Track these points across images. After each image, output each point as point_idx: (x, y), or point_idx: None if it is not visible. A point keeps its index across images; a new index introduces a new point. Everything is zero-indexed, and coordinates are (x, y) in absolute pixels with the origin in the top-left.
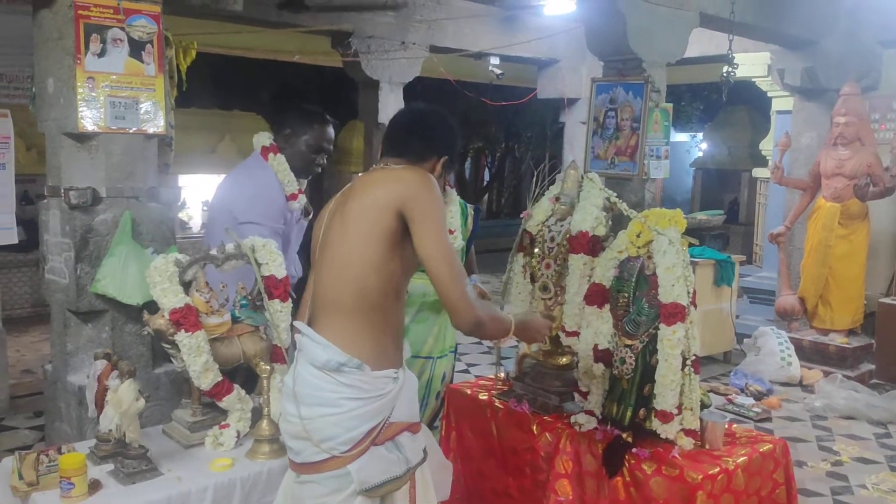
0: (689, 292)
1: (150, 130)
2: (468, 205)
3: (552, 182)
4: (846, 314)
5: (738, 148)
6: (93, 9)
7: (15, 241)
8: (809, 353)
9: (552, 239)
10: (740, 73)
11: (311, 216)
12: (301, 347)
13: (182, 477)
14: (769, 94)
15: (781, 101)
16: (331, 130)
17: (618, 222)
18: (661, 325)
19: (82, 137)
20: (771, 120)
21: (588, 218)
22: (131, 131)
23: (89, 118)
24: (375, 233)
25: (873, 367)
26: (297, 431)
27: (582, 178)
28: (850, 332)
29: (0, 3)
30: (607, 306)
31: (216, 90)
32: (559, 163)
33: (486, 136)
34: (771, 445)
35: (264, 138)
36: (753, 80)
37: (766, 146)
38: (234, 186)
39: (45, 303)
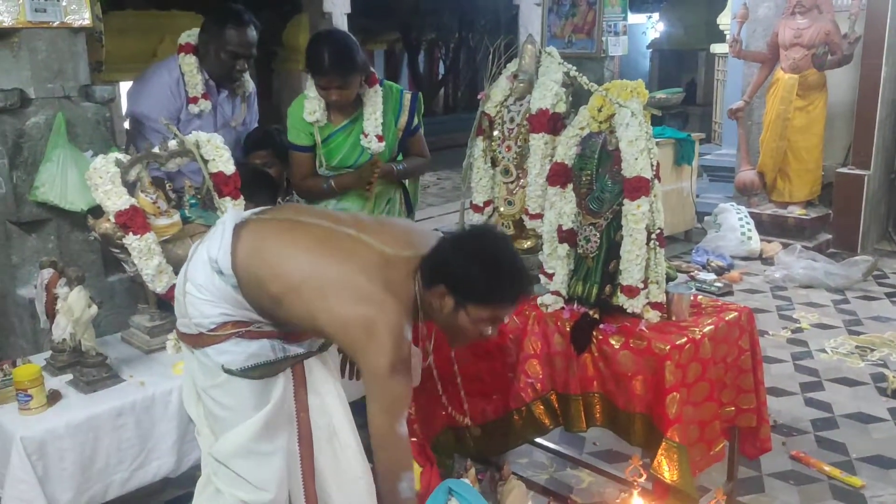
0: (652, 165)
1: (76, 23)
2: (403, 91)
3: (508, 61)
4: (804, 186)
5: (695, 27)
6: None
7: None
8: (769, 227)
9: (511, 120)
10: None
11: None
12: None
13: (145, 381)
14: None
15: None
16: (248, 33)
17: (577, 99)
18: (626, 201)
19: (1, 35)
20: None
21: (548, 94)
22: (55, 25)
23: (5, 12)
24: None
25: (830, 236)
26: (179, 307)
27: (539, 53)
28: (808, 204)
29: None
30: (570, 185)
31: None
32: (515, 46)
33: (438, 26)
34: (736, 314)
35: (186, 36)
36: None
37: (724, 20)
38: (135, 81)
39: None
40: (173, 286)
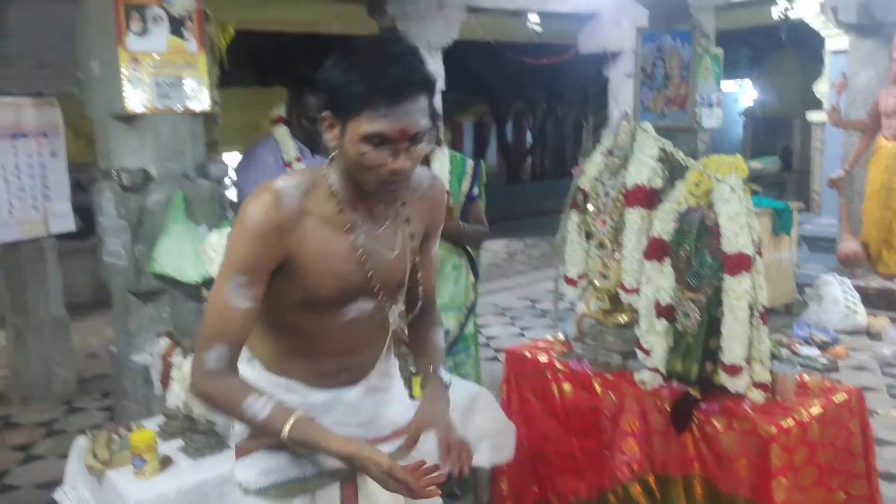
0: (754, 241)
1: (196, 108)
2: (467, 160)
3: (597, 128)
4: None
5: (789, 93)
6: None
7: (73, 228)
8: (875, 300)
9: (606, 194)
10: (790, 14)
11: None
12: None
13: None
14: (822, 34)
15: (835, 41)
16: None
17: (673, 173)
18: (726, 277)
19: (130, 119)
20: (824, 61)
21: (644, 170)
22: (178, 110)
23: (135, 99)
24: None
25: None
26: None
27: (635, 129)
28: None
29: None
30: (668, 260)
31: (256, 68)
32: (605, 119)
33: (525, 98)
34: (846, 395)
35: (276, 110)
36: (804, 20)
37: (821, 89)
38: (242, 157)
39: (105, 287)
40: None
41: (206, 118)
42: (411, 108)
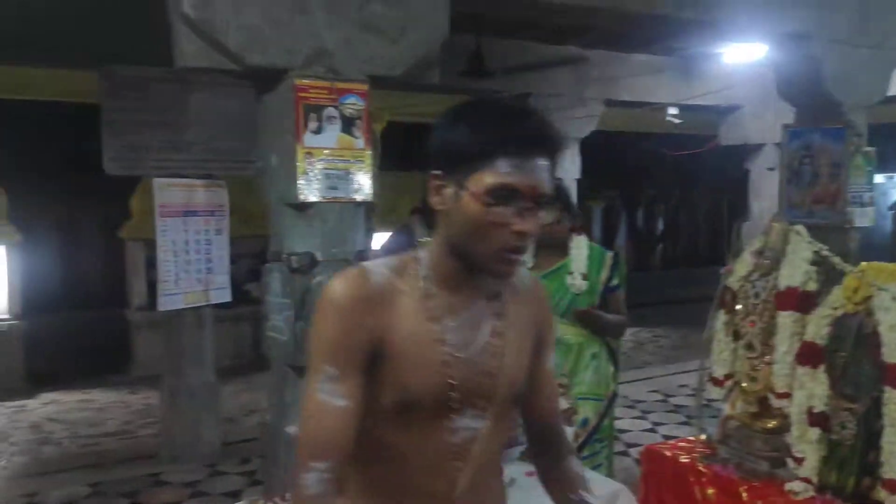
0: None
1: (359, 199)
2: (606, 251)
3: (739, 230)
4: None
5: None
6: (311, 91)
7: (229, 299)
8: None
9: (756, 295)
10: None
11: None
12: None
13: None
14: None
15: None
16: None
17: (829, 277)
18: (887, 388)
19: (301, 207)
20: None
21: (797, 273)
22: (344, 200)
23: (307, 189)
24: None
25: None
26: None
27: (787, 230)
28: None
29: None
30: (822, 366)
31: (400, 154)
32: (745, 211)
33: (658, 184)
34: None
35: (416, 203)
36: None
37: None
38: (388, 239)
39: (244, 355)
40: None
41: (367, 206)
42: (542, 166)
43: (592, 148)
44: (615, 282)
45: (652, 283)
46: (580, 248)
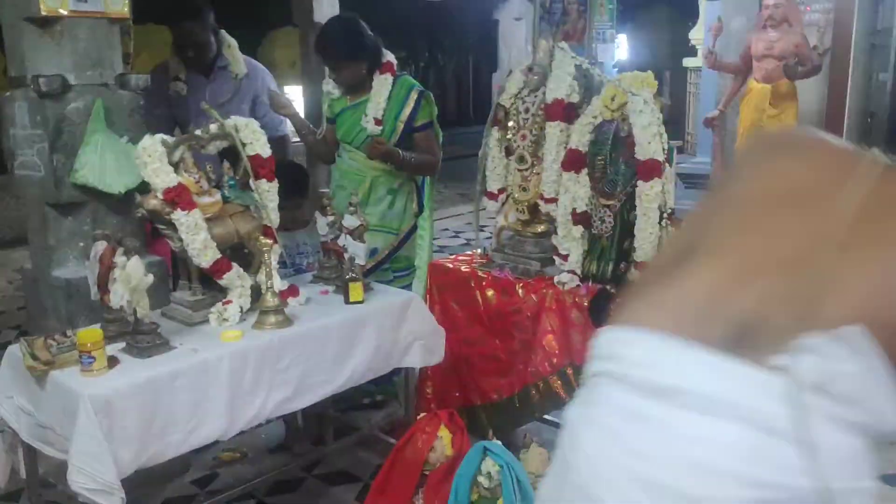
0: (664, 149)
1: (113, 13)
2: (414, 87)
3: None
4: None
5: (660, 46)
6: None
7: None
8: None
9: (526, 110)
10: None
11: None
12: None
13: (197, 349)
14: None
15: None
16: (185, 26)
17: (589, 90)
18: (640, 182)
19: (44, 22)
20: (696, 11)
21: (562, 86)
22: (95, 14)
23: (50, 0)
24: None
25: None
26: None
27: (553, 47)
28: None
29: None
30: (584, 171)
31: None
32: (495, 63)
33: (409, 46)
34: None
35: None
36: None
37: (696, 35)
38: None
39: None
40: (217, 260)
41: (121, 29)
42: None
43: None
44: (421, 121)
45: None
46: (380, 87)
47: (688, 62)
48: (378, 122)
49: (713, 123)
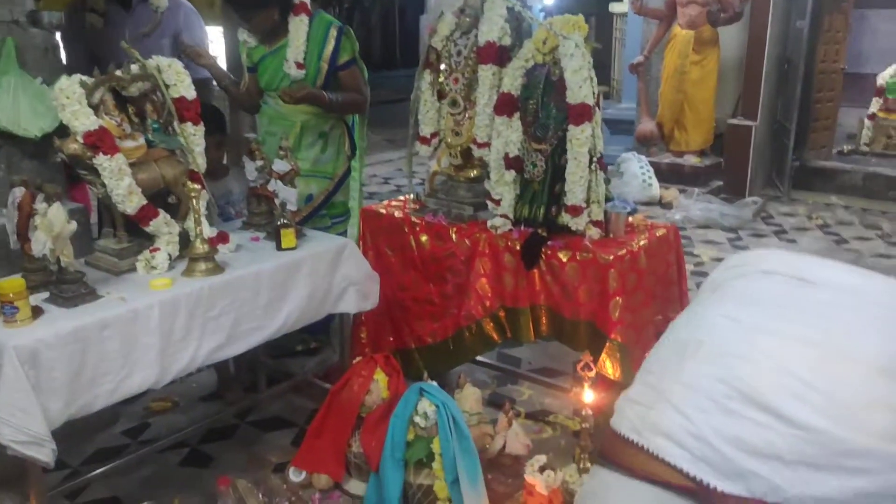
0: (594, 93)
1: None
2: (332, 24)
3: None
4: (699, 136)
5: None
6: None
7: None
8: (667, 175)
9: (458, 53)
10: None
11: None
12: None
13: (125, 297)
14: None
15: None
16: None
17: (521, 33)
18: (570, 126)
19: None
20: None
21: (494, 28)
22: None
23: None
24: None
25: (722, 182)
26: None
27: None
28: (702, 153)
29: None
30: (517, 115)
31: None
32: (423, 5)
33: None
34: (665, 230)
35: None
36: None
37: None
38: None
39: None
40: (143, 207)
41: None
42: None
43: None
44: (344, 58)
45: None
46: (297, 30)
47: (614, 7)
48: (300, 65)
49: (638, 69)
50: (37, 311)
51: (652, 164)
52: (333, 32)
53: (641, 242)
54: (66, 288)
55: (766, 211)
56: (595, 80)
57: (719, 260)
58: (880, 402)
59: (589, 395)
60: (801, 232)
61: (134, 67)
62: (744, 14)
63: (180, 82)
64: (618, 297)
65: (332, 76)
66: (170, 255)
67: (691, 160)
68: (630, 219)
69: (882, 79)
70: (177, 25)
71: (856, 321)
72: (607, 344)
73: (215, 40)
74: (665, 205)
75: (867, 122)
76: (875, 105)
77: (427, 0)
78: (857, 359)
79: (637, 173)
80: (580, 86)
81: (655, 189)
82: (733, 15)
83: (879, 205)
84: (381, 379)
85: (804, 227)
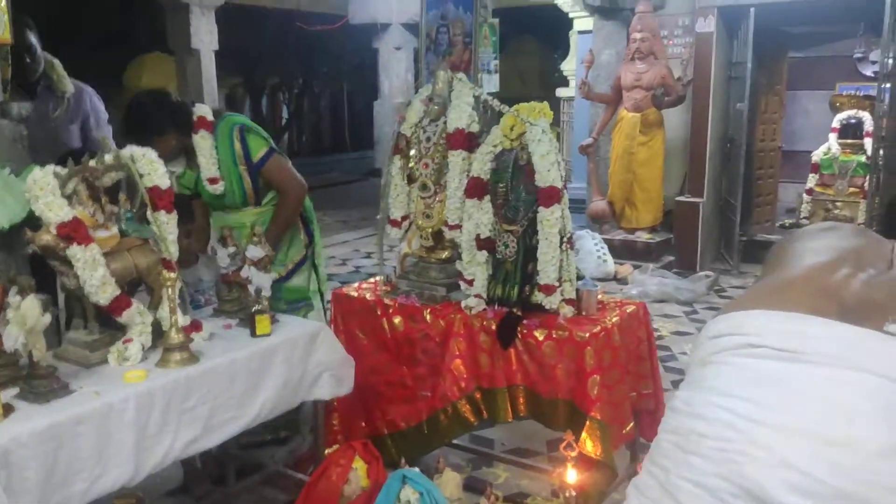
0: (562, 176)
1: None
2: (234, 126)
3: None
4: (649, 213)
5: (529, 76)
6: None
7: None
8: (620, 251)
9: (428, 139)
10: None
11: None
12: None
13: (99, 391)
14: (570, 16)
15: (582, 22)
16: (28, 36)
17: (488, 119)
18: (540, 208)
19: None
20: (567, 43)
21: (463, 116)
22: None
23: None
24: None
25: (673, 258)
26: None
27: (452, 78)
28: (653, 230)
29: None
30: (487, 198)
31: None
32: (375, 92)
33: (282, 71)
34: (635, 307)
35: None
36: (556, 1)
37: (568, 67)
38: None
39: None
40: (116, 297)
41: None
42: None
43: (232, 22)
44: (258, 154)
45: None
46: (201, 147)
47: (561, 92)
48: (214, 180)
49: (588, 151)
50: (7, 409)
51: (605, 241)
52: (236, 134)
53: (614, 319)
54: (38, 383)
55: (718, 284)
56: (562, 163)
57: (679, 334)
58: (883, 486)
59: (572, 475)
60: None
61: (107, 157)
62: (686, 97)
63: (153, 171)
64: (595, 375)
65: (257, 175)
66: (143, 345)
67: (643, 236)
68: (601, 296)
69: (816, 156)
70: (84, 110)
71: (852, 401)
72: (587, 422)
73: None
74: (620, 280)
75: (805, 196)
76: (812, 180)
77: (380, 86)
78: (858, 443)
79: (592, 250)
80: (549, 169)
81: (611, 265)
82: (676, 98)
83: None
84: (360, 467)
85: None
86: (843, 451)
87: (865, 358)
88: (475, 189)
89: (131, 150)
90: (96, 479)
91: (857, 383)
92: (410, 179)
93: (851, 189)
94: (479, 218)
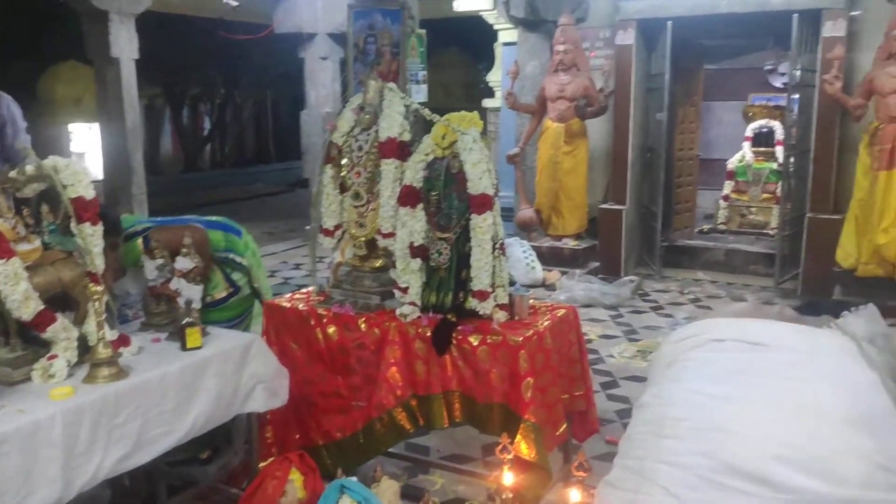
0: (493, 184)
1: None
2: (229, 232)
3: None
4: (574, 221)
5: (455, 87)
6: None
7: None
8: (548, 258)
9: (360, 148)
10: (467, 6)
11: None
12: None
13: (24, 409)
14: (495, 27)
15: (506, 34)
16: None
17: (419, 128)
18: (473, 216)
19: None
20: (495, 55)
21: (394, 125)
22: None
23: None
24: None
25: (598, 264)
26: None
27: (383, 87)
28: (579, 237)
29: None
30: (420, 206)
31: None
32: (301, 102)
33: (204, 81)
34: (565, 311)
35: None
36: (481, 13)
37: (494, 78)
38: None
39: None
40: (40, 312)
41: None
42: None
43: (153, 31)
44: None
45: (203, 183)
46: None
47: (486, 103)
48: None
49: (515, 160)
50: None
51: (533, 248)
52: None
53: (546, 323)
54: None
55: (642, 289)
56: (493, 171)
57: (606, 337)
58: (851, 452)
59: (508, 478)
60: (677, 307)
61: (29, 168)
62: (608, 107)
63: (78, 182)
64: (529, 378)
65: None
66: (69, 361)
67: (569, 243)
68: (532, 301)
69: (731, 164)
70: (1, 116)
71: (813, 377)
72: (522, 425)
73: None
74: (549, 286)
75: (722, 202)
76: (728, 187)
77: (307, 96)
78: (824, 412)
79: (521, 257)
80: (480, 177)
81: (539, 272)
82: (598, 109)
83: (742, 278)
84: (296, 478)
85: (678, 302)
86: (813, 420)
87: (819, 344)
88: (408, 197)
89: (54, 160)
90: (23, 499)
91: (816, 363)
92: (343, 189)
93: (765, 195)
94: (413, 226)
